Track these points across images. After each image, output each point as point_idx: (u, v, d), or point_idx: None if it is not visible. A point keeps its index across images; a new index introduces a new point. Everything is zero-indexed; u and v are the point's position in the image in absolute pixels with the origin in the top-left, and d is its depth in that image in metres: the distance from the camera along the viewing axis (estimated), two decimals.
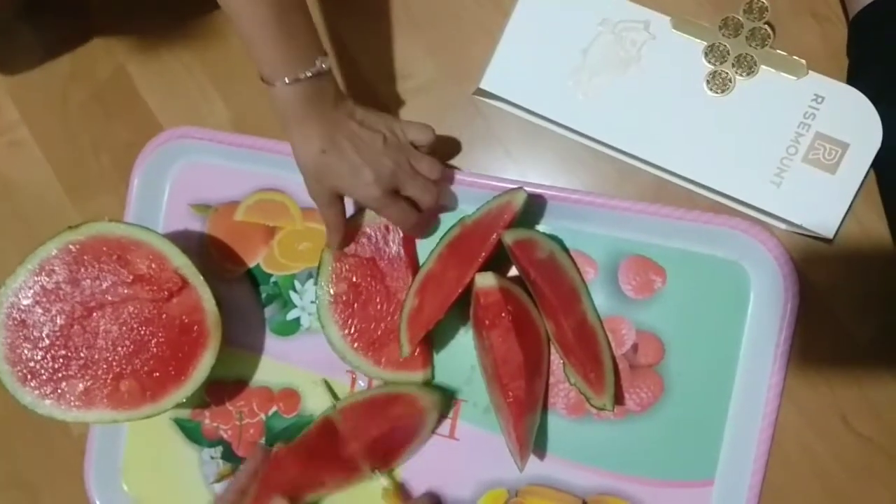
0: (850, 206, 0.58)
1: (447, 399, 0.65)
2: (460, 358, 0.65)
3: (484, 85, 0.62)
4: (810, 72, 0.57)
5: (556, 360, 0.63)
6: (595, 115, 0.61)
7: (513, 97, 0.62)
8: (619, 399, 0.62)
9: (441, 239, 0.63)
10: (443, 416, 0.65)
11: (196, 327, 0.64)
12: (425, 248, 0.65)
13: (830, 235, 0.57)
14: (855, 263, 0.59)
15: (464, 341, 0.65)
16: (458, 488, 0.65)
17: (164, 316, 0.64)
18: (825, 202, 0.57)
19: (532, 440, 0.60)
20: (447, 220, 0.65)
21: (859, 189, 0.57)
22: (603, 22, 0.61)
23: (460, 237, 0.62)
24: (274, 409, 0.69)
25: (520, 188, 0.58)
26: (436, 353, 0.66)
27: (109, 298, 0.64)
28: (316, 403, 0.68)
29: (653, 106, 0.60)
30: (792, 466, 0.60)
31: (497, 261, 0.60)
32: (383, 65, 0.68)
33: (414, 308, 0.62)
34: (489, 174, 0.64)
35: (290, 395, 0.69)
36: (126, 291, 0.64)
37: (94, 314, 0.64)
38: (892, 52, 0.55)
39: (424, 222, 0.64)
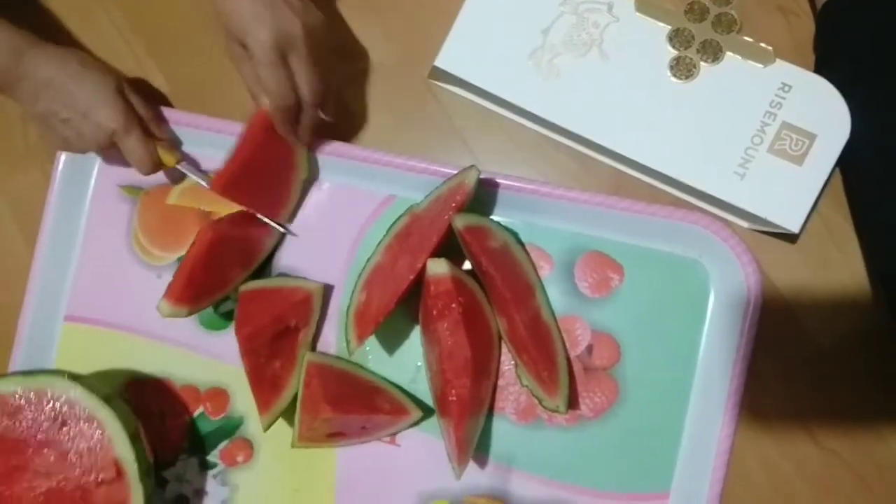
0: (816, 204, 0.55)
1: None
2: (406, 356, 0.61)
3: (439, 63, 0.59)
4: (777, 59, 0.55)
5: (507, 361, 0.59)
6: (553, 98, 0.58)
7: (469, 77, 0.59)
8: (572, 403, 0.58)
9: (388, 230, 0.59)
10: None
11: None
12: (371, 240, 0.60)
13: (796, 230, 0.55)
14: (819, 265, 0.57)
15: (410, 338, 0.61)
16: (397, 498, 0.60)
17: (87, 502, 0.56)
18: (791, 195, 0.55)
19: (473, 445, 0.56)
20: (395, 210, 0.61)
21: (825, 185, 0.55)
22: (565, 2, 0.58)
23: (409, 226, 0.59)
24: (200, 409, 0.63)
25: (472, 167, 0.54)
26: (381, 350, 0.61)
27: (32, 466, 0.56)
28: (247, 404, 0.62)
29: (614, 91, 0.58)
30: (752, 479, 0.56)
31: (449, 253, 0.56)
32: (336, 45, 0.64)
33: (361, 303, 0.58)
34: (442, 162, 0.60)
35: (219, 395, 0.63)
36: (53, 464, 0.56)
37: (14, 475, 0.56)
38: (860, 43, 0.53)
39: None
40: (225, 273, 0.60)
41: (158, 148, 0.60)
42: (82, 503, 0.56)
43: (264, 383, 0.58)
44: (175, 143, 0.64)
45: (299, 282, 0.61)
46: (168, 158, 0.61)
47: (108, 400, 0.56)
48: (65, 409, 0.56)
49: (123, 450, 0.56)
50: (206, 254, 0.58)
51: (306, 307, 0.60)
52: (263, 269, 0.63)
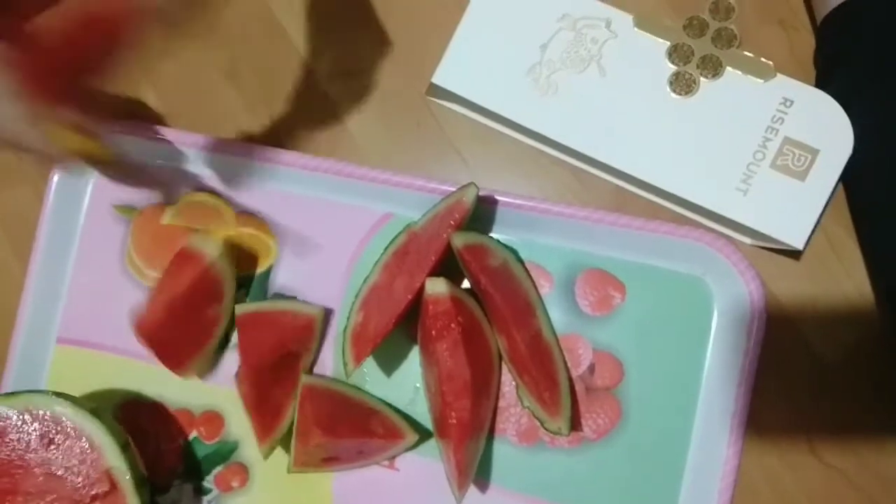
0: (819, 219, 0.55)
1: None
2: (404, 377, 0.60)
3: (436, 80, 0.59)
4: (778, 74, 0.55)
5: (507, 382, 0.58)
6: (552, 114, 0.58)
7: (466, 93, 0.58)
8: (575, 424, 0.57)
9: (386, 249, 0.58)
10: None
11: None
12: (368, 259, 0.59)
13: (800, 246, 0.54)
14: (822, 280, 0.56)
15: (408, 359, 0.60)
16: None
17: None
18: (794, 211, 0.54)
19: (473, 469, 0.55)
20: (392, 229, 0.60)
21: (829, 200, 0.55)
22: (563, 18, 0.58)
23: (407, 244, 0.58)
24: (194, 433, 0.62)
25: (470, 184, 0.54)
26: (378, 371, 0.60)
27: (22, 487, 0.55)
28: (241, 428, 0.61)
29: (613, 107, 0.57)
30: (758, 498, 0.55)
31: (448, 272, 0.55)
32: (331, 61, 0.64)
33: (358, 324, 0.57)
34: (440, 179, 0.60)
35: (213, 419, 0.62)
36: (44, 483, 0.54)
37: (5, 500, 0.55)
38: (862, 57, 0.53)
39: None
40: (201, 320, 0.60)
41: (86, 138, 0.51)
42: None
43: (265, 413, 0.57)
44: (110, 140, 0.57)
45: (300, 306, 0.60)
46: (91, 146, 0.52)
47: (94, 413, 0.55)
48: (50, 425, 0.54)
49: (115, 460, 0.54)
50: (164, 329, 0.58)
51: (308, 333, 0.59)
52: (249, 284, 0.62)
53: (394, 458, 0.59)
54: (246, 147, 0.61)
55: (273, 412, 0.57)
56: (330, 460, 0.57)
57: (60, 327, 0.64)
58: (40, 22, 0.44)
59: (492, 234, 0.59)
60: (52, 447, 0.54)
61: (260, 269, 0.62)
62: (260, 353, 0.56)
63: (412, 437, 0.57)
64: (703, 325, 0.56)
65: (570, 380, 0.57)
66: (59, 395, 0.55)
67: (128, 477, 0.54)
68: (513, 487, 0.57)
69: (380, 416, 0.57)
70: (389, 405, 0.59)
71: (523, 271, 0.58)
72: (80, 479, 0.54)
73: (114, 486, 0.54)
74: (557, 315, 0.58)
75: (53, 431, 0.54)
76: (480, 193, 0.55)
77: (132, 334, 0.61)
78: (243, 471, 0.61)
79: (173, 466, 0.62)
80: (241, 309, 0.59)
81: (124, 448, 0.55)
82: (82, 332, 0.64)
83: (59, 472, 0.54)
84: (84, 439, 0.54)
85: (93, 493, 0.54)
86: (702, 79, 0.56)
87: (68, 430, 0.54)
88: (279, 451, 0.59)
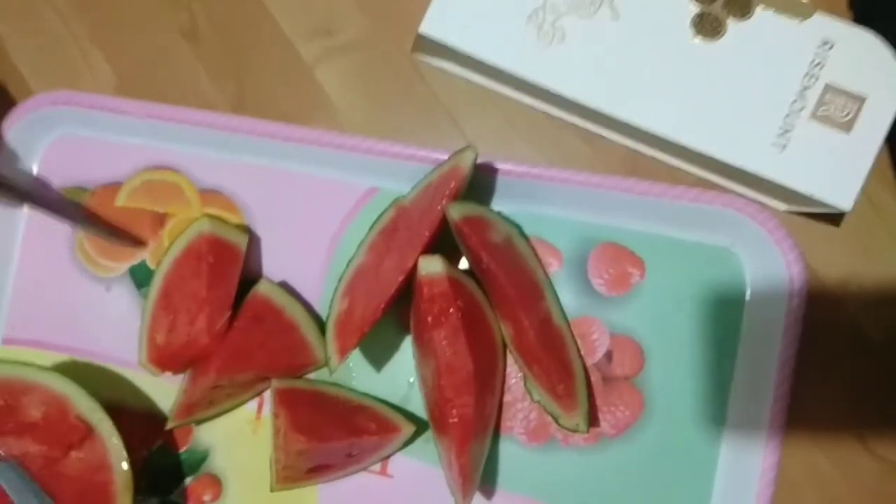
0: (867, 178, 0.49)
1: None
2: (396, 371, 0.54)
3: (424, 29, 0.52)
4: (817, 13, 0.49)
5: (514, 373, 0.52)
6: (558, 66, 0.51)
7: (458, 44, 0.52)
8: (592, 419, 0.51)
9: (371, 227, 0.52)
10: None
11: (100, 491, 0.50)
12: (352, 239, 0.53)
13: (848, 207, 0.48)
14: (866, 250, 0.50)
15: (401, 350, 0.54)
16: None
17: (59, 476, 0.50)
18: (839, 167, 0.49)
19: (479, 473, 0.48)
20: (378, 204, 0.54)
21: (877, 155, 0.49)
22: None
23: (395, 220, 0.51)
24: (160, 441, 0.56)
25: (467, 147, 0.47)
26: (366, 365, 0.54)
27: None
28: (212, 435, 0.55)
29: (628, 55, 0.51)
30: (800, 496, 0.50)
31: (443, 251, 0.49)
32: (304, 18, 0.58)
33: (343, 311, 0.51)
34: (431, 146, 0.53)
35: None
36: (10, 442, 0.50)
37: None
38: None
39: None
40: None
41: None
42: (58, 478, 0.50)
43: (196, 405, 0.53)
44: None
45: (310, 335, 0.54)
46: None
47: (41, 368, 0.52)
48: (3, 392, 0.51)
49: (83, 403, 0.51)
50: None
51: (300, 367, 0.54)
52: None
53: (389, 457, 0.53)
54: (209, 116, 0.55)
55: (205, 405, 0.53)
56: (318, 469, 0.51)
57: (5, 326, 0.58)
58: None
59: (492, 207, 0.53)
60: (9, 410, 0.51)
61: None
62: (246, 363, 0.52)
63: (408, 428, 0.50)
64: (734, 303, 0.50)
65: (586, 369, 0.51)
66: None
67: (102, 414, 0.51)
68: (522, 492, 0.51)
69: (368, 410, 0.51)
70: (376, 398, 0.53)
71: (528, 248, 0.52)
72: (49, 434, 0.50)
73: (89, 431, 0.51)
74: (568, 296, 0.52)
75: (8, 395, 0.51)
76: (478, 161, 0.48)
77: (86, 331, 0.57)
78: (216, 483, 0.55)
79: (137, 479, 0.55)
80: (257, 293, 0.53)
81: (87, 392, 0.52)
82: (30, 331, 0.58)
83: (23, 433, 0.51)
84: (40, 392, 0.51)
85: (68, 443, 0.50)
86: (729, 19, 0.50)
87: (18, 388, 0.51)
88: (257, 461, 0.54)
